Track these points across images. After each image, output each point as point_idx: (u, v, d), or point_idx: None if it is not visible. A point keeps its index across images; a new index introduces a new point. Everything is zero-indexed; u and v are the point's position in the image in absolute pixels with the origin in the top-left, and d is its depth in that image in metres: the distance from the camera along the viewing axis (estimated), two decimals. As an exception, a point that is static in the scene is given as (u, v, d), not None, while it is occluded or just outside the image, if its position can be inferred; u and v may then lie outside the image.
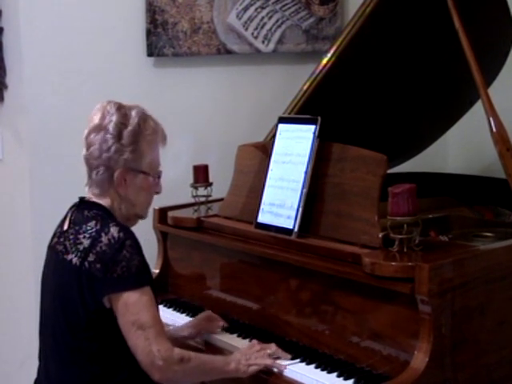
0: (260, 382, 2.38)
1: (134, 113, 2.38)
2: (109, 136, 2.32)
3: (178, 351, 2.29)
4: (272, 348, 2.43)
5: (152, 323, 2.25)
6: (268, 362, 2.39)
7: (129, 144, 2.34)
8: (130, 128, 2.34)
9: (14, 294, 3.50)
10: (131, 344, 2.25)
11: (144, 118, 2.39)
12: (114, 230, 2.27)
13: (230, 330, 2.67)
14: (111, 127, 2.32)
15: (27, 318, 3.20)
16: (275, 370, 2.37)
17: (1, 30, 3.31)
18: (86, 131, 2.38)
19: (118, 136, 2.33)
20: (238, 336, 2.63)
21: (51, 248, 2.41)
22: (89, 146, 2.34)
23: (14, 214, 3.46)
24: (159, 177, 2.46)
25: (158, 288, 2.41)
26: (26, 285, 3.31)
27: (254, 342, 2.48)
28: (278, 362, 2.39)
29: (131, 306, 2.23)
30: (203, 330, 2.66)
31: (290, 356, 2.42)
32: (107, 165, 2.33)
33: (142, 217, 2.47)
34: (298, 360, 2.39)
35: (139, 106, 2.42)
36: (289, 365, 2.38)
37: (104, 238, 2.25)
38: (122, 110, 2.36)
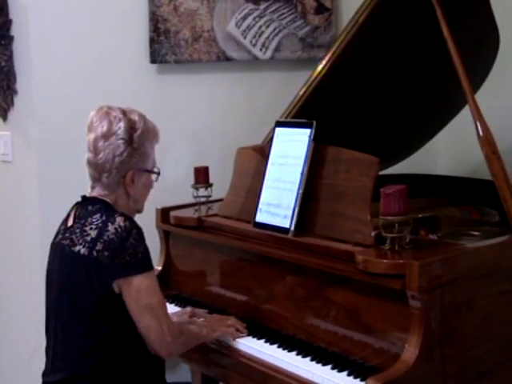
0: (266, 378, 2.45)
1: (137, 116, 2.44)
2: (120, 141, 2.39)
3: (176, 326, 2.46)
4: (231, 319, 2.61)
5: (161, 305, 2.37)
6: (229, 330, 2.57)
7: (138, 147, 2.42)
8: (139, 132, 2.42)
9: (24, 290, 3.53)
10: (143, 326, 2.34)
11: (144, 119, 2.46)
12: (119, 220, 2.34)
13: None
14: (122, 133, 2.39)
15: (36, 311, 3.18)
16: (231, 337, 2.58)
17: (11, 39, 3.35)
18: (91, 137, 2.42)
19: (130, 141, 2.40)
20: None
21: (55, 245, 2.46)
22: (98, 151, 2.40)
23: (23, 213, 3.49)
24: (159, 173, 2.53)
25: (160, 284, 2.43)
26: (34, 281, 3.33)
27: (215, 315, 2.68)
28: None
29: (144, 290, 2.32)
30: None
31: (245, 325, 2.59)
32: (119, 168, 2.40)
33: (141, 211, 2.54)
34: (294, 353, 2.43)
35: (133, 108, 2.48)
36: (245, 336, 2.55)
37: (111, 227, 2.32)
38: (127, 116, 2.43)
